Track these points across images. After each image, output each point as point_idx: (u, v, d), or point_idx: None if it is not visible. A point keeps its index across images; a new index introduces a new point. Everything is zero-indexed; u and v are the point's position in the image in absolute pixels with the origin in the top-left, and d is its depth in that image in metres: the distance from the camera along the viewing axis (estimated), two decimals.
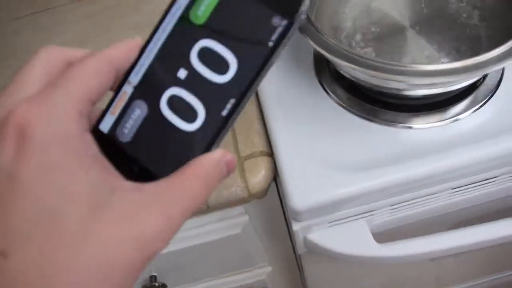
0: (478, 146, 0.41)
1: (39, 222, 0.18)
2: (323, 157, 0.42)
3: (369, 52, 0.46)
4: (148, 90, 0.21)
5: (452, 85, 0.40)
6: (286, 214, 0.52)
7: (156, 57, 0.21)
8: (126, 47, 0.21)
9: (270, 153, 0.44)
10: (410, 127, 0.43)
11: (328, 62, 0.48)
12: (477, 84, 0.44)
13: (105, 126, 0.21)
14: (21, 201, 0.18)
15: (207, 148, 0.21)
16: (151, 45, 0.21)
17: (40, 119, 0.18)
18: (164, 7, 0.21)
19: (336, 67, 0.45)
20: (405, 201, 0.45)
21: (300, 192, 0.41)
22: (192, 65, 0.21)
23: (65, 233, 0.18)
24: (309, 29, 0.41)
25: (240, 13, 0.20)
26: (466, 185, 0.45)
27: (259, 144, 0.45)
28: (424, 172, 0.41)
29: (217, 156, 0.21)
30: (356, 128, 0.44)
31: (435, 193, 0.45)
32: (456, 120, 0.43)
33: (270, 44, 0.20)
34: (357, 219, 0.45)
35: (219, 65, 0.20)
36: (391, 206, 0.45)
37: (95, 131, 0.21)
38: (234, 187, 0.43)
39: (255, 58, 0.20)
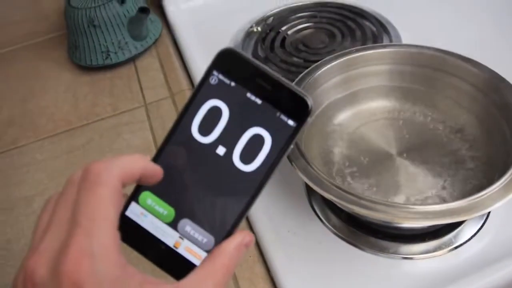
0: (482, 274, 0.41)
1: None
2: None
3: (362, 183, 0.46)
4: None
5: None
6: None
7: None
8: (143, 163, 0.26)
9: None
10: (412, 258, 0.43)
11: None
12: None
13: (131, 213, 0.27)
14: None
15: (231, 232, 0.26)
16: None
17: (88, 275, 0.21)
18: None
19: None
20: None
21: None
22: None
23: None
24: (300, 162, 0.41)
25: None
26: None
27: None
28: None
29: (238, 240, 0.26)
30: (358, 262, 0.43)
31: None
32: (456, 247, 0.43)
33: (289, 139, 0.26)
34: None
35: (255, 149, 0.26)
36: None
37: (122, 217, 0.26)
38: None
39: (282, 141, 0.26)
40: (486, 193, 0.37)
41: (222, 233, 0.26)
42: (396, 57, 0.51)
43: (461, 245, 0.44)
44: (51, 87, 0.68)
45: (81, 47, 0.67)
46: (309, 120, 0.26)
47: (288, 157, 0.41)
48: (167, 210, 0.27)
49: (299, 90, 0.26)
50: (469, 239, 0.44)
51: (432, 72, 0.50)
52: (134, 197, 0.27)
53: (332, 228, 0.46)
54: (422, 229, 0.44)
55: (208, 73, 0.27)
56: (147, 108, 0.63)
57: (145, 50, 0.70)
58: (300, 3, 0.73)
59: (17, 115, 0.65)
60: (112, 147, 0.58)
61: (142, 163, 0.25)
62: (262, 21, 0.71)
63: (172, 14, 0.75)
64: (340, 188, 0.39)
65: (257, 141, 0.26)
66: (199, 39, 0.71)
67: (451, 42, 0.54)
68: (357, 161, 0.48)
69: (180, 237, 0.26)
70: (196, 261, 0.26)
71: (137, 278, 0.23)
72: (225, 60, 0.26)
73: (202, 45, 0.69)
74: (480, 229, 0.44)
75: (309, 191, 0.49)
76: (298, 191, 0.50)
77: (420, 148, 0.48)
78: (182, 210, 0.26)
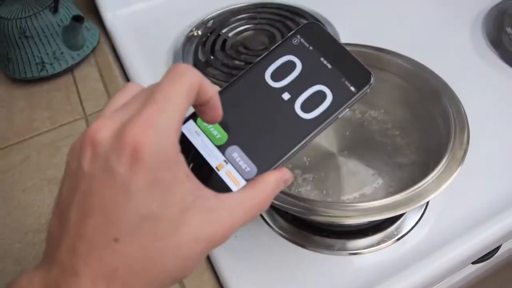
0: (426, 261, 0.42)
1: (142, 221, 0.23)
2: None
3: (305, 184, 0.47)
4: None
5: None
6: None
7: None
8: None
9: None
10: (359, 253, 0.44)
11: None
12: None
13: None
14: (132, 204, 0.23)
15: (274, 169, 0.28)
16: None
17: (150, 144, 0.23)
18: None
19: None
20: None
21: None
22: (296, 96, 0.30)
23: (160, 230, 0.24)
24: None
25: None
26: None
27: None
28: None
29: (280, 174, 0.28)
30: (306, 262, 0.44)
31: None
32: (400, 238, 0.44)
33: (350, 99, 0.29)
34: None
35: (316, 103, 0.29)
36: None
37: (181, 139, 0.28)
38: None
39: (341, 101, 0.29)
40: (421, 185, 0.38)
41: (265, 167, 0.28)
42: None
43: (403, 235, 0.45)
44: None
45: (14, 59, 0.64)
46: (368, 90, 0.29)
47: None
48: (220, 134, 0.29)
49: (365, 65, 0.30)
50: (411, 229, 0.45)
51: None
52: (193, 116, 0.30)
53: (279, 230, 0.46)
54: (365, 224, 0.45)
55: (292, 35, 0.31)
56: (87, 119, 0.61)
57: (83, 60, 0.68)
58: (240, 5, 0.73)
59: None
60: (51, 162, 0.56)
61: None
62: (202, 24, 0.71)
63: (110, 21, 0.73)
64: (283, 192, 0.39)
65: (319, 96, 0.29)
66: (138, 45, 0.69)
67: (387, 38, 0.55)
68: (300, 161, 0.48)
69: (224, 161, 0.28)
70: (233, 185, 0.28)
71: (185, 167, 0.25)
72: (310, 30, 0.31)
73: (142, 51, 0.68)
74: (420, 218, 0.46)
75: None
76: None
77: (360, 145, 0.49)
78: (234, 137, 0.29)
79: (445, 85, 0.46)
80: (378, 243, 0.44)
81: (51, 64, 0.65)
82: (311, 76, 0.30)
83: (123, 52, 0.68)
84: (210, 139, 0.29)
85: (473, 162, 0.48)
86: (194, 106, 0.28)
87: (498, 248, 0.49)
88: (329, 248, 0.44)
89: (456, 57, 0.63)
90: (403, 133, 0.49)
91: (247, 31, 0.69)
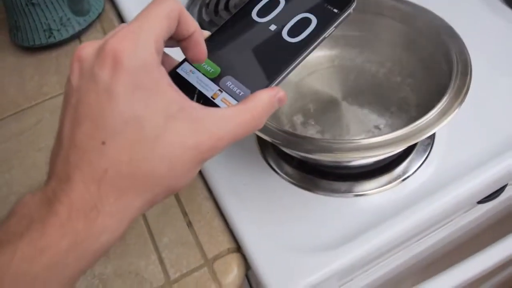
0: (431, 199, 0.43)
1: (127, 123, 0.24)
2: (291, 241, 0.42)
3: (310, 129, 0.47)
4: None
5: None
6: None
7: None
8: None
9: (238, 248, 0.44)
10: (364, 195, 0.45)
11: (271, 144, 0.49)
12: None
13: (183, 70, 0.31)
14: (116, 108, 0.24)
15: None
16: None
17: (128, 51, 0.25)
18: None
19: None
20: (377, 263, 0.46)
21: (277, 282, 0.40)
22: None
23: (145, 133, 0.25)
24: None
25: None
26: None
27: (224, 241, 0.44)
28: (392, 235, 0.42)
29: (272, 92, 0.29)
30: (314, 205, 0.45)
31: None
32: (405, 179, 0.45)
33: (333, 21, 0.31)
34: None
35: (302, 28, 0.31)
36: (366, 271, 0.46)
37: (174, 73, 0.31)
38: None
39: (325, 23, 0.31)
40: (422, 121, 0.39)
41: (258, 89, 0.29)
42: None
43: (409, 176, 0.45)
44: None
45: (22, 27, 0.66)
46: (351, 11, 0.31)
47: None
48: (213, 69, 0.31)
49: None
50: (416, 170, 0.46)
51: (369, 16, 0.51)
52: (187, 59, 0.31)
53: (285, 176, 0.47)
54: (371, 165, 0.46)
55: None
56: None
57: (89, 26, 0.69)
58: None
59: None
60: None
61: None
62: None
63: None
64: (286, 132, 0.40)
65: (305, 21, 0.31)
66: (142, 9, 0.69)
67: None
68: (305, 108, 0.49)
69: (219, 90, 0.30)
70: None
71: (168, 79, 0.26)
72: None
73: None
74: (425, 159, 0.46)
75: (261, 145, 0.50)
76: (251, 147, 0.50)
77: (364, 91, 0.50)
78: (227, 69, 0.31)
79: (447, 27, 0.46)
80: (385, 185, 0.45)
81: (58, 30, 0.66)
82: (295, 7, 0.32)
83: (128, 16, 0.68)
84: (204, 75, 0.31)
85: (478, 104, 0.48)
86: (179, 41, 0.30)
87: (503, 188, 0.49)
88: (335, 191, 0.45)
89: (463, 5, 0.62)
90: (406, 77, 0.49)
91: None
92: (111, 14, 0.72)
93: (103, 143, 0.24)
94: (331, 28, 0.31)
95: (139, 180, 0.25)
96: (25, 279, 0.23)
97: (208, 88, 0.30)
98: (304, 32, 0.31)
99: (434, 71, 0.46)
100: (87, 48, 0.26)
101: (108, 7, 0.73)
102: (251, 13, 0.33)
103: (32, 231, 0.24)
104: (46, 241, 0.23)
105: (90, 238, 0.24)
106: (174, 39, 0.29)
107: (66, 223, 0.24)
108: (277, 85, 0.30)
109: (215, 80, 0.31)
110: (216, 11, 0.66)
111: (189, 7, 0.68)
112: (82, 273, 0.26)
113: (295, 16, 0.32)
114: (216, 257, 0.43)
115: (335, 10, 0.31)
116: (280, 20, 0.32)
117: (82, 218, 0.24)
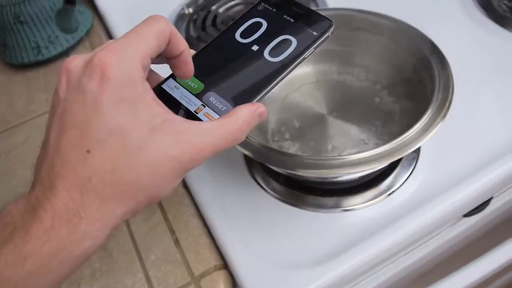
0: (418, 213, 0.43)
1: (112, 133, 0.25)
2: (278, 258, 0.42)
3: (296, 146, 0.48)
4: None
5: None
6: None
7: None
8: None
9: (225, 264, 0.44)
10: (351, 209, 0.45)
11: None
12: None
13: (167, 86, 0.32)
14: (102, 118, 0.25)
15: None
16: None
17: (115, 64, 0.26)
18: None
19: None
20: (366, 277, 0.46)
21: None
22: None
23: (129, 143, 0.26)
24: None
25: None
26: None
27: (211, 258, 0.44)
28: (380, 249, 0.42)
29: (253, 108, 0.29)
30: (301, 221, 0.45)
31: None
32: (391, 193, 0.45)
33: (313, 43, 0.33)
34: None
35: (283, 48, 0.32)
36: (354, 286, 0.46)
37: (159, 88, 0.32)
38: None
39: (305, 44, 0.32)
40: (406, 136, 0.39)
41: (241, 104, 0.30)
42: None
43: (395, 190, 0.46)
44: None
45: (11, 45, 0.66)
46: (330, 34, 0.33)
47: None
48: (197, 85, 0.32)
49: (325, 16, 0.33)
50: (402, 184, 0.46)
51: (350, 31, 0.51)
52: (173, 75, 0.33)
53: (272, 192, 0.47)
54: (357, 180, 0.46)
55: (258, 3, 0.36)
56: None
57: (78, 42, 0.69)
58: None
59: None
60: None
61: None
62: (193, 2, 0.71)
63: (102, 2, 0.73)
64: (272, 150, 0.40)
65: (285, 43, 0.33)
66: (131, 26, 0.69)
67: (374, 1, 0.55)
68: (290, 125, 0.49)
69: (202, 105, 0.31)
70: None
71: (152, 94, 0.27)
72: None
73: None
74: (411, 174, 0.46)
75: (248, 162, 0.50)
76: (238, 164, 0.50)
77: (348, 105, 0.50)
78: (210, 85, 0.32)
79: (429, 41, 0.47)
80: (371, 199, 0.45)
81: (46, 48, 0.66)
82: (276, 30, 0.34)
83: (116, 32, 0.69)
84: (188, 90, 0.32)
85: (462, 118, 0.49)
86: (168, 59, 0.30)
87: (489, 201, 0.49)
88: (322, 207, 0.45)
89: (443, 17, 0.63)
90: (389, 91, 0.50)
91: (237, 5, 0.69)
92: (99, 30, 0.73)
93: (88, 151, 0.25)
94: (310, 50, 0.32)
95: (122, 188, 0.26)
96: (9, 285, 0.24)
97: (192, 103, 0.31)
98: (285, 53, 0.32)
99: (417, 86, 0.47)
100: (76, 60, 0.27)
101: (96, 23, 0.74)
102: (234, 34, 0.34)
103: (15, 238, 0.24)
104: (29, 247, 0.24)
105: (73, 244, 0.25)
106: (164, 57, 0.31)
107: (49, 230, 0.24)
108: (258, 101, 0.31)
109: (199, 95, 0.32)
110: (203, 27, 0.66)
111: (176, 23, 0.68)
112: (65, 279, 0.26)
113: (276, 37, 0.33)
114: (203, 274, 0.43)
115: (315, 33, 0.33)
116: (262, 41, 0.33)
117: (65, 224, 0.24)
